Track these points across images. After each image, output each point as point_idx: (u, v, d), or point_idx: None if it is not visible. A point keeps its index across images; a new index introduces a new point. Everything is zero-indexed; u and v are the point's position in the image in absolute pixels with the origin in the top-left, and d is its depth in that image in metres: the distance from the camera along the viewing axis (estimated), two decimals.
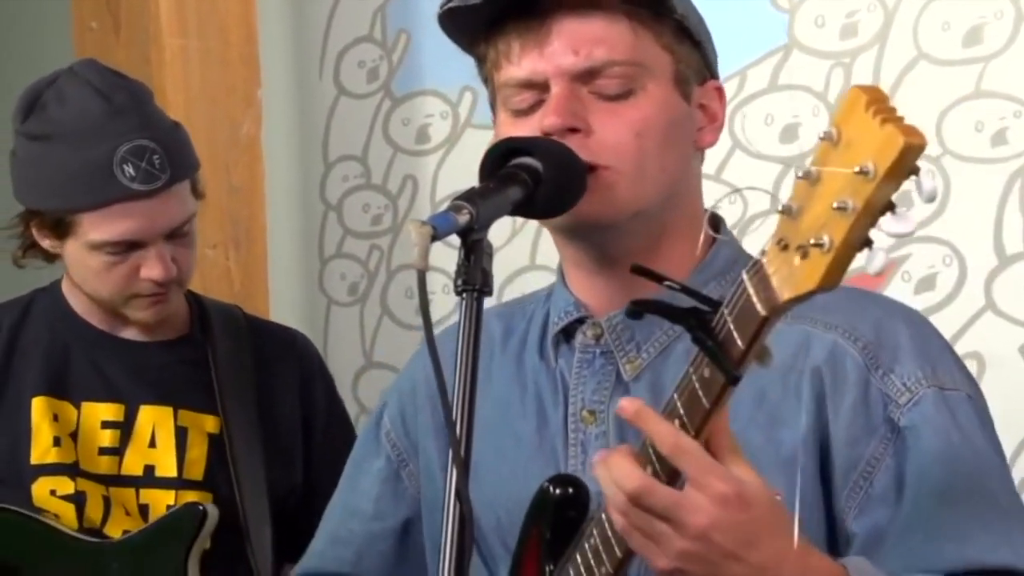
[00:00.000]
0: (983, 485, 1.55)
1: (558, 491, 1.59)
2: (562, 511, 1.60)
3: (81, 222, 2.36)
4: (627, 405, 1.30)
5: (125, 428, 2.49)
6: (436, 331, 1.39)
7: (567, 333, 1.71)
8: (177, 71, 3.92)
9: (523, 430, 1.75)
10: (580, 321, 1.69)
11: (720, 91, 1.72)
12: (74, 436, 2.47)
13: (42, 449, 2.46)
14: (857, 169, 1.09)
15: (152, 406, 2.50)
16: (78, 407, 2.49)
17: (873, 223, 1.10)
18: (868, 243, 1.11)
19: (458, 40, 1.71)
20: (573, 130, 1.55)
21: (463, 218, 1.33)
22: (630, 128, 1.58)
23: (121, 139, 2.34)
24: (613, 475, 1.31)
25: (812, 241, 1.13)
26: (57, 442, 2.46)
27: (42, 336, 2.54)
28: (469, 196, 1.38)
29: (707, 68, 1.69)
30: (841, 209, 1.10)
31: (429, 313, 1.33)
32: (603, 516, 1.45)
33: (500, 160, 1.49)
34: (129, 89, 2.48)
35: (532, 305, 1.84)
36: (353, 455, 1.98)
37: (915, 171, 1.07)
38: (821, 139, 1.12)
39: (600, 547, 1.47)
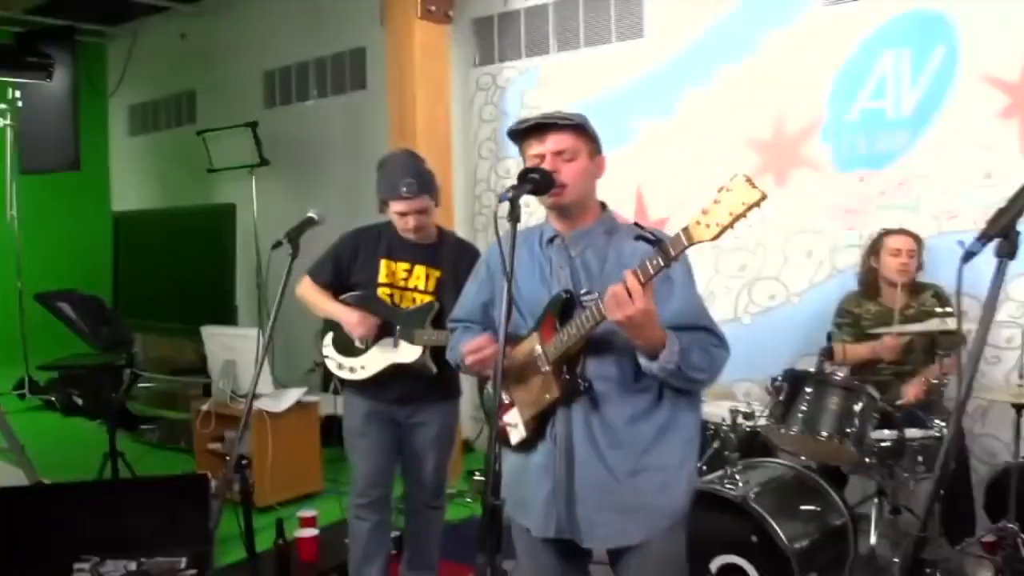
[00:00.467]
0: (700, 302, 2.35)
1: (566, 295, 2.32)
2: (565, 304, 2.31)
3: (389, 204, 3.47)
4: (629, 275, 2.05)
5: (411, 272, 3.57)
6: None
7: (551, 241, 2.43)
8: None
9: (534, 275, 2.44)
10: (555, 236, 2.42)
11: (603, 160, 2.42)
12: (392, 274, 3.57)
13: (382, 276, 3.57)
14: (741, 202, 1.86)
15: (419, 265, 3.56)
16: (396, 263, 3.57)
17: (732, 225, 1.88)
18: (730, 228, 1.88)
19: (512, 140, 2.42)
20: (556, 173, 2.29)
21: (510, 194, 2.15)
22: (574, 172, 2.32)
23: (405, 175, 3.42)
24: (628, 281, 2.04)
25: (714, 222, 1.88)
26: (387, 275, 3.56)
27: (387, 237, 3.58)
28: (512, 187, 2.19)
29: (599, 151, 2.41)
30: (728, 214, 1.86)
31: (497, 231, 2.25)
32: (594, 304, 2.17)
33: (523, 175, 2.25)
34: (417, 159, 3.59)
35: (536, 230, 2.50)
36: (473, 272, 2.74)
37: (758, 207, 1.85)
38: (725, 188, 1.87)
39: (589, 316, 2.19)
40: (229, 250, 6.76)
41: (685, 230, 1.93)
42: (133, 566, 3.95)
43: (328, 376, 3.79)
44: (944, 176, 4.54)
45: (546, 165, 2.30)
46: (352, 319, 3.51)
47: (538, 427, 2.39)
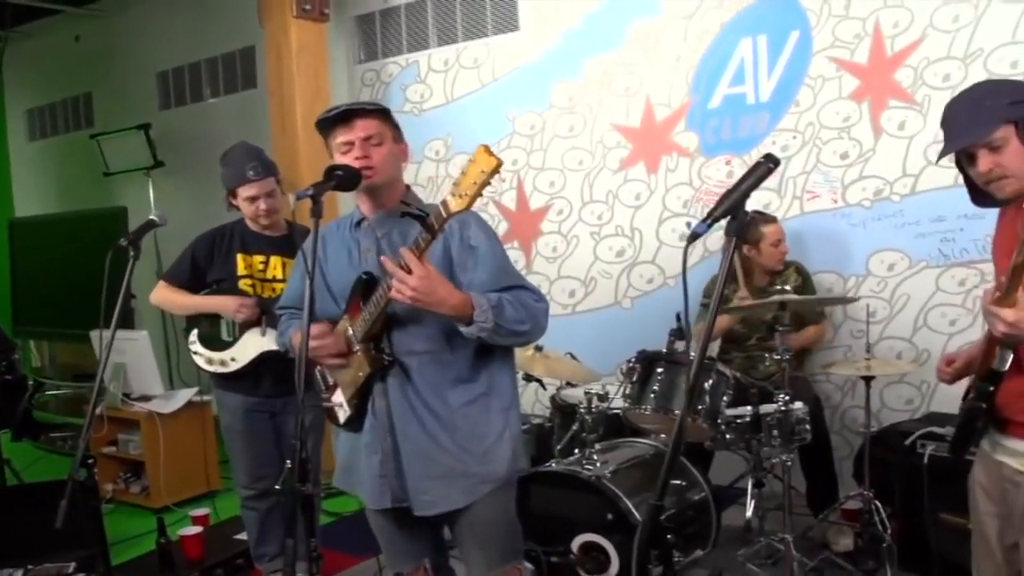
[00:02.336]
0: (508, 265, 2.43)
1: (366, 276, 2.38)
2: (367, 284, 2.37)
3: (238, 191, 3.54)
4: (404, 251, 2.14)
5: (267, 263, 3.64)
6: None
7: (358, 224, 2.50)
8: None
9: (343, 260, 2.51)
10: (362, 220, 2.49)
11: (405, 146, 2.52)
12: (250, 266, 3.62)
13: (240, 269, 3.61)
14: (480, 171, 1.95)
15: (275, 256, 3.65)
16: (251, 256, 3.64)
17: (479, 192, 1.98)
18: (479, 196, 1.98)
19: (319, 130, 2.46)
20: (365, 157, 2.36)
21: (310, 191, 2.18)
22: (383, 155, 2.39)
23: (249, 161, 3.50)
24: (402, 254, 2.14)
25: (464, 193, 1.97)
26: (245, 268, 3.62)
27: (240, 233, 3.65)
28: (314, 184, 2.21)
29: (401, 138, 2.49)
30: (472, 183, 1.96)
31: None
32: (384, 283, 2.23)
33: (329, 171, 2.29)
34: (256, 147, 3.64)
35: (348, 217, 2.57)
36: (295, 261, 2.89)
37: (498, 173, 1.96)
38: (469, 159, 1.98)
39: (382, 294, 2.26)
40: (123, 253, 6.68)
41: (444, 203, 2.02)
42: (19, 573, 3.93)
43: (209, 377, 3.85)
44: (804, 158, 4.68)
45: (356, 151, 2.35)
46: (231, 304, 3.55)
47: (360, 404, 2.47)
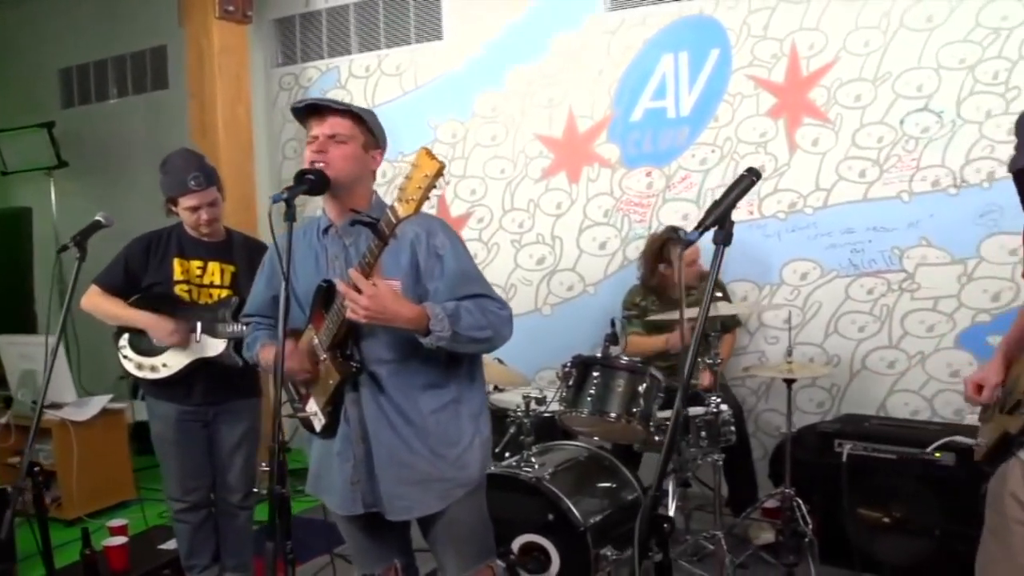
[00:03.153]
0: (474, 272, 2.44)
1: (325, 284, 2.40)
2: (327, 293, 2.39)
3: (179, 200, 3.48)
4: (351, 271, 2.18)
5: (205, 268, 3.58)
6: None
7: (326, 231, 2.50)
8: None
9: (310, 267, 2.51)
10: (330, 226, 2.48)
11: (379, 155, 2.49)
12: (187, 271, 3.56)
13: (176, 275, 3.55)
14: (424, 175, 1.98)
15: (212, 261, 3.59)
16: (188, 261, 3.57)
17: (425, 196, 2.01)
18: (425, 200, 2.00)
19: (297, 119, 2.46)
20: (321, 152, 2.34)
21: (284, 195, 2.18)
22: (340, 154, 2.36)
23: (190, 170, 3.44)
24: (350, 274, 2.17)
25: (410, 198, 1.99)
26: (182, 273, 3.56)
27: (177, 237, 3.59)
28: (288, 188, 2.22)
29: (377, 146, 2.47)
30: (417, 188, 1.99)
31: (272, 230, 2.26)
32: (340, 299, 2.25)
33: (300, 175, 2.30)
34: (197, 155, 3.64)
35: (314, 222, 2.56)
36: (260, 267, 2.77)
37: (441, 175, 1.99)
38: (412, 164, 2.00)
39: (339, 307, 2.28)
40: (25, 255, 6.48)
41: (392, 208, 2.05)
42: None
43: (138, 383, 3.75)
44: (721, 171, 4.87)
45: (315, 144, 2.37)
46: (161, 329, 3.47)
47: (334, 412, 2.48)
